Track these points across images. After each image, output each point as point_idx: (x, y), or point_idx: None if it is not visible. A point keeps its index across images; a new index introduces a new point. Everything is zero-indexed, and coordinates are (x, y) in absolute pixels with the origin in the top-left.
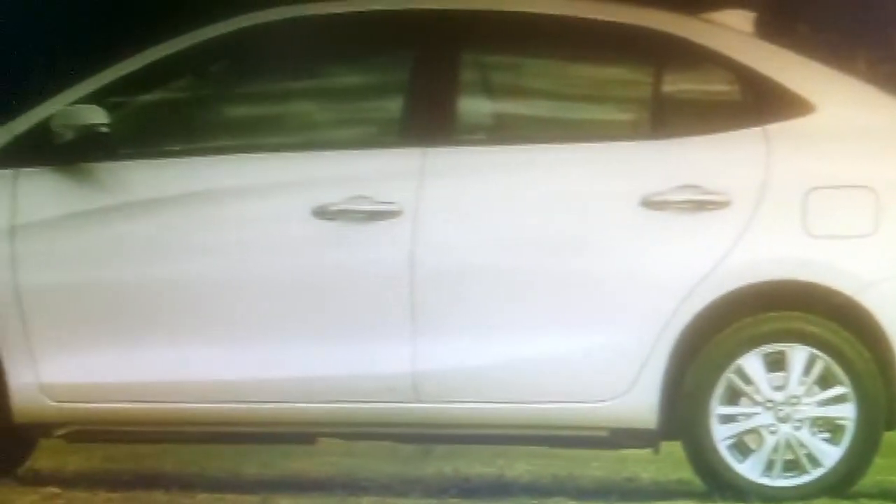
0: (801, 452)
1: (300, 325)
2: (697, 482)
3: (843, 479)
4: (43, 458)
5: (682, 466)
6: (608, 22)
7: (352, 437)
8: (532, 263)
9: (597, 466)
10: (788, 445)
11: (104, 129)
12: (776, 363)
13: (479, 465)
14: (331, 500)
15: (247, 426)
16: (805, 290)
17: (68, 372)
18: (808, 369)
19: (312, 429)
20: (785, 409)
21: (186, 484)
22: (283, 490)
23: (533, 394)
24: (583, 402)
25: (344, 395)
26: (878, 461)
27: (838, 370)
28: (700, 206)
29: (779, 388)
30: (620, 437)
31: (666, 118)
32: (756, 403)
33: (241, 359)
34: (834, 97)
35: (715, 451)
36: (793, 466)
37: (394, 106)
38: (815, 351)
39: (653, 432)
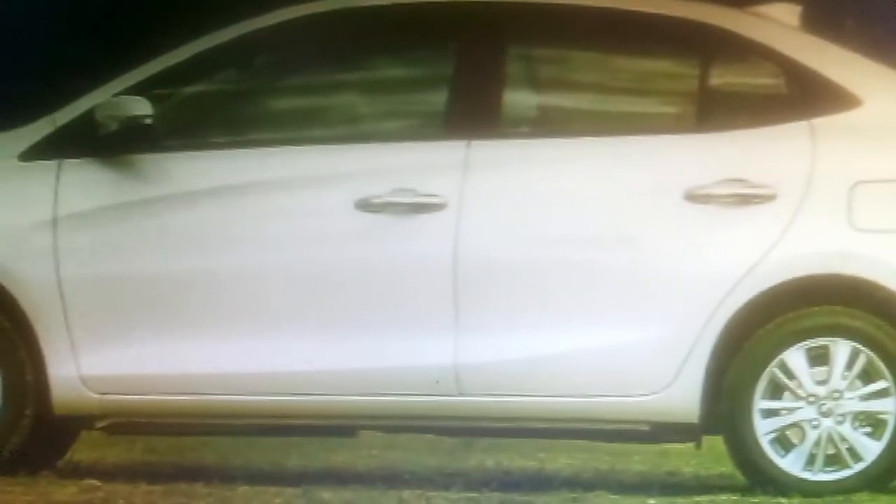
0: (843, 447)
1: (343, 317)
2: (739, 476)
3: (885, 473)
4: (83, 451)
5: (723, 461)
6: (655, 14)
7: (393, 430)
8: (575, 257)
9: (638, 460)
10: (830, 440)
11: (148, 121)
12: (819, 357)
13: (520, 458)
14: (372, 493)
15: (288, 418)
16: (849, 284)
17: (109, 364)
18: (850, 364)
19: (354, 422)
20: (827, 404)
21: (227, 476)
22: (325, 483)
23: (575, 387)
24: (625, 396)
25: (386, 388)
26: None
27: (881, 365)
28: (745, 199)
29: (821, 383)
30: (662, 432)
31: (712, 111)
32: (799, 398)
33: (283, 351)
34: (880, 91)
35: (757, 445)
36: (834, 461)
37: (438, 98)
38: (857, 345)
39: (695, 426)
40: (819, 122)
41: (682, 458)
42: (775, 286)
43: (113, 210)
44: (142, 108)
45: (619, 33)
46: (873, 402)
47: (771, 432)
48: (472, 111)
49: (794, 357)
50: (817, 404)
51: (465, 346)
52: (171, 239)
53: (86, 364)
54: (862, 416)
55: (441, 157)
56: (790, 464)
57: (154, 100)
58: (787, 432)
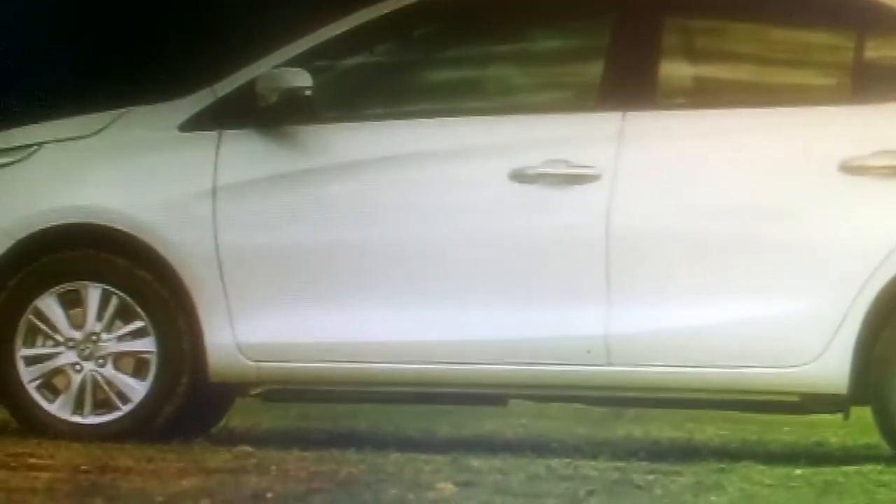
0: None
1: (495, 287)
2: (885, 447)
3: None
4: (237, 418)
5: (870, 431)
6: None
7: (543, 400)
8: (728, 228)
9: (787, 431)
10: None
11: (308, 92)
12: None
13: (669, 428)
14: (521, 462)
15: (439, 387)
16: None
17: (266, 332)
18: None
19: (504, 390)
20: None
21: (379, 443)
22: (474, 451)
23: (725, 358)
24: (775, 367)
25: (537, 357)
26: None
27: None
28: None
29: None
30: (811, 403)
31: (866, 83)
32: None
33: (435, 320)
34: None
35: None
36: None
37: (593, 69)
38: None
39: (843, 397)
40: None
41: (829, 429)
42: None
43: (271, 180)
44: (302, 79)
45: (776, 5)
46: None
47: None
48: (628, 82)
49: None
50: None
51: (616, 316)
52: (328, 209)
53: (242, 332)
54: None
55: (596, 128)
56: None
57: (314, 71)
58: None
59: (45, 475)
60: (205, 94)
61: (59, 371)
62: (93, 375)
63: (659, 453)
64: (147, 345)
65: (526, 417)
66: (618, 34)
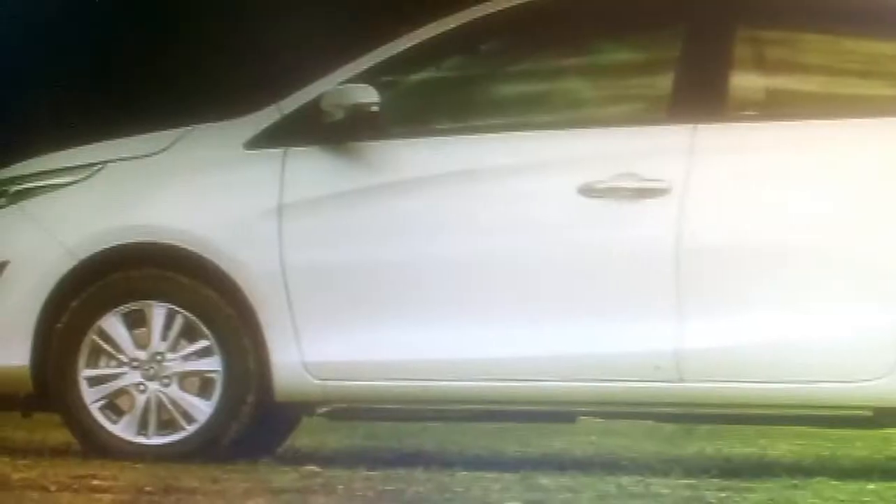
0: None
1: (563, 302)
2: None
3: None
4: (303, 437)
5: None
6: None
7: (612, 417)
8: (800, 242)
9: (860, 446)
10: None
11: (374, 108)
12: None
13: (740, 445)
14: (590, 480)
15: (508, 404)
16: None
17: (332, 350)
18: None
19: (573, 408)
20: None
21: (446, 462)
22: (543, 469)
23: (797, 373)
24: (847, 382)
25: (606, 374)
26: None
27: None
28: None
29: None
30: (884, 417)
31: None
32: None
33: (504, 337)
34: None
35: None
36: None
37: (663, 82)
38: None
39: None
40: None
41: None
42: None
43: (338, 198)
44: (368, 95)
45: (848, 15)
46: None
47: None
48: (699, 94)
49: None
50: None
51: (686, 331)
52: (395, 226)
53: (308, 350)
54: None
55: (666, 141)
56: None
57: (380, 87)
58: None
59: (108, 497)
60: (270, 111)
61: (122, 391)
62: (157, 395)
63: (731, 470)
64: (212, 364)
65: (595, 434)
66: (689, 45)
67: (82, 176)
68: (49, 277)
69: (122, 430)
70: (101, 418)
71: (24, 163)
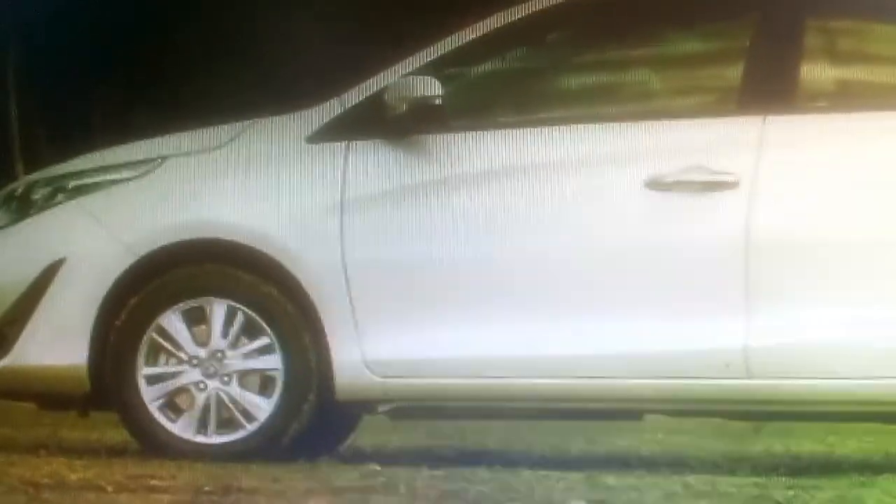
0: None
1: (629, 298)
2: None
3: None
4: (364, 436)
5: None
6: None
7: (679, 414)
8: (871, 235)
9: None
10: None
11: (437, 101)
12: None
13: (809, 442)
14: (656, 478)
15: (573, 402)
16: None
17: (394, 347)
18: None
19: (640, 405)
20: None
21: (510, 461)
22: (608, 468)
23: (867, 369)
24: None
25: (673, 371)
26: None
27: None
28: None
29: None
30: None
31: None
32: None
33: (568, 333)
34: None
35: None
36: None
37: (732, 73)
38: None
39: None
40: None
41: None
42: None
43: (400, 192)
44: (432, 88)
45: None
46: None
47: None
48: (768, 86)
49: None
50: None
51: (755, 327)
52: (458, 221)
53: (370, 348)
54: None
55: (735, 133)
56: None
57: (443, 79)
58: None
59: (166, 497)
60: (333, 104)
61: (182, 390)
62: (217, 394)
63: (799, 468)
64: (273, 362)
65: (661, 432)
66: (759, 36)
67: (142, 171)
68: (107, 275)
69: (181, 429)
70: (160, 417)
71: (82, 157)
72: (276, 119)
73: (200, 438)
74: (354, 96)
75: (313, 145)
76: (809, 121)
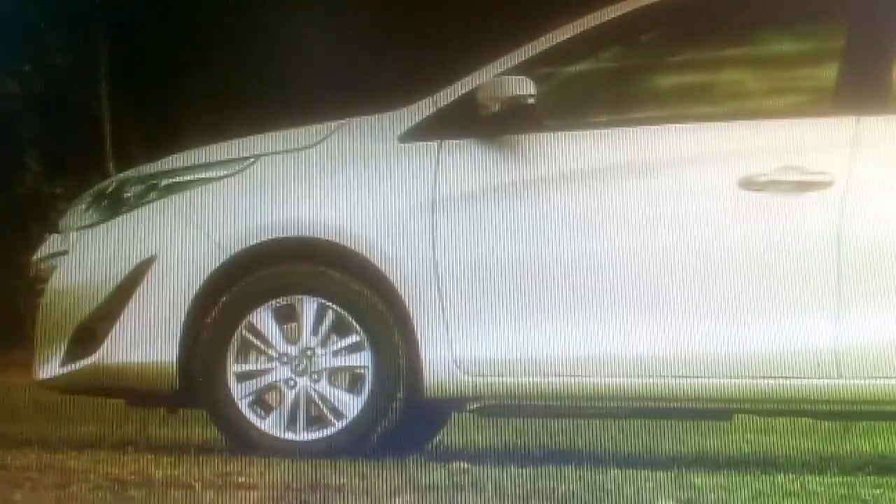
0: None
1: (721, 298)
2: None
3: None
4: (452, 433)
5: None
6: None
7: (768, 414)
8: None
9: None
10: None
11: (530, 101)
12: None
13: None
14: (745, 478)
15: (662, 401)
16: None
17: (483, 346)
18: None
19: (730, 405)
20: None
21: (598, 460)
22: (697, 467)
23: None
24: None
25: (763, 371)
26: None
27: None
28: None
29: None
30: None
31: None
32: None
33: (659, 333)
34: None
35: None
36: None
37: (826, 73)
38: None
39: None
40: None
41: None
42: None
43: (492, 191)
44: (525, 87)
45: None
46: None
47: None
48: (863, 85)
49: None
50: None
51: (847, 327)
52: (550, 221)
53: (460, 346)
54: None
55: (829, 133)
56: None
57: (536, 79)
58: None
59: (253, 494)
60: (426, 103)
61: (271, 387)
62: (307, 391)
63: (886, 467)
64: (362, 359)
65: (751, 432)
66: (853, 36)
67: (234, 170)
68: (198, 273)
69: (270, 426)
70: (249, 414)
71: (173, 156)
72: (368, 118)
73: (289, 436)
74: (447, 96)
75: (406, 144)
76: None
